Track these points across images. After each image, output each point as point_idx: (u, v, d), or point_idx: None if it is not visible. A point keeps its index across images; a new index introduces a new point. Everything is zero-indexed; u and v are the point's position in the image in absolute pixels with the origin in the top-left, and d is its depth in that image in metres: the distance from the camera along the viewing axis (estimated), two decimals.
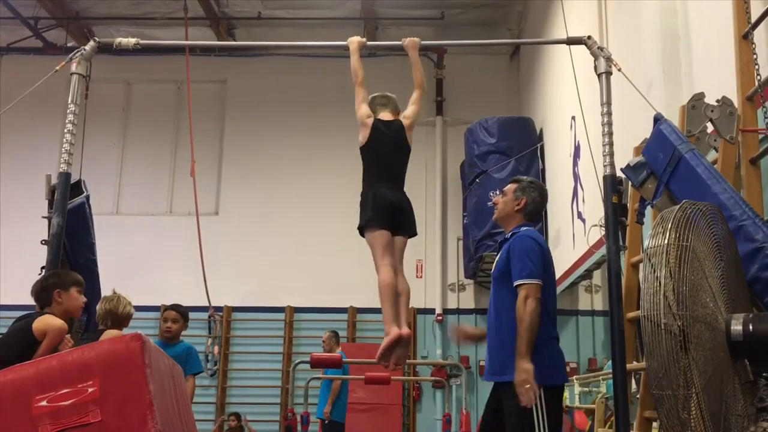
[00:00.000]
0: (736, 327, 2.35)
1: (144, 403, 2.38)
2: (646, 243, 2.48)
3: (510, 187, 3.56)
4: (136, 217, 10.72)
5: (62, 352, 2.53)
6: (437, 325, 10.17)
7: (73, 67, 3.38)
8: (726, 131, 3.13)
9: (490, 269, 10.43)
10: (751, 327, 2.33)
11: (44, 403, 2.37)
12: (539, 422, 3.05)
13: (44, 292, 3.32)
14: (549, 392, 3.11)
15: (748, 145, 3.14)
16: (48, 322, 3.15)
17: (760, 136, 3.17)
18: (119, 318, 3.92)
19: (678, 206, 2.42)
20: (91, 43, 3.47)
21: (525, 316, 3.11)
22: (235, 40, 10.76)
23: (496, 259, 3.46)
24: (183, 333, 5.22)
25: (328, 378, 7.46)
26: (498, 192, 8.14)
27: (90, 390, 2.37)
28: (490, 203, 3.68)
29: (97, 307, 3.89)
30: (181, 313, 5.07)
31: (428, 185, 10.61)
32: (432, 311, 10.23)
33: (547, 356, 3.18)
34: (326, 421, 7.30)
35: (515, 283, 3.21)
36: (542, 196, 3.53)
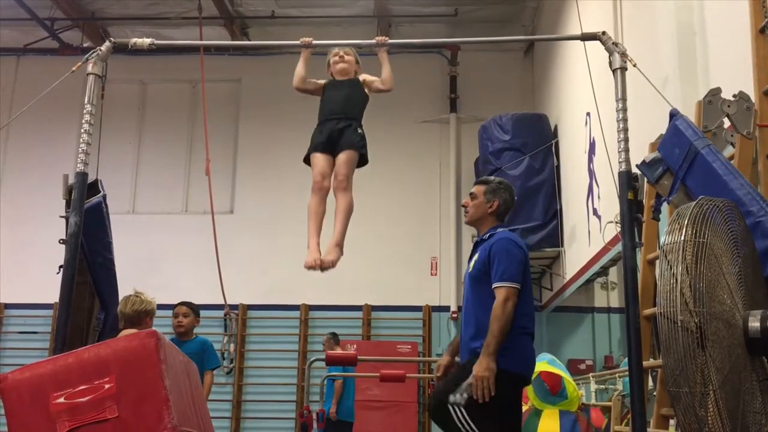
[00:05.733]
0: (754, 324, 2.32)
1: (160, 399, 2.40)
2: (662, 239, 2.46)
3: (479, 188, 3.64)
4: (152, 215, 10.78)
5: (79, 350, 2.56)
6: (452, 322, 10.16)
7: (89, 68, 3.39)
8: (743, 126, 3.10)
9: None
10: None
11: (62, 399, 2.40)
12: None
13: None
14: (504, 376, 3.20)
15: (765, 141, 3.10)
16: None
17: None
18: (129, 317, 3.96)
19: (694, 202, 2.40)
20: (107, 43, 3.48)
21: (501, 317, 3.24)
22: (249, 39, 10.79)
23: (474, 258, 3.53)
24: (199, 331, 5.26)
25: (331, 376, 7.56)
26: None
27: (107, 386, 2.39)
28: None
29: None
30: (192, 308, 5.10)
31: (442, 182, 10.60)
32: (447, 309, 10.22)
33: (517, 346, 3.31)
34: (333, 420, 7.38)
35: (494, 285, 3.33)
36: (512, 197, 3.65)
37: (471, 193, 3.67)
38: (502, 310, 3.25)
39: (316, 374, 8.54)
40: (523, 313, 3.37)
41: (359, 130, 3.74)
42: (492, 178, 3.74)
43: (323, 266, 3.57)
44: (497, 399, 3.20)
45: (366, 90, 3.83)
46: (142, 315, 4.01)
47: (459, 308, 10.18)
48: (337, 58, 3.87)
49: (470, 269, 3.53)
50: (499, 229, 3.54)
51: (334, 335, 8.41)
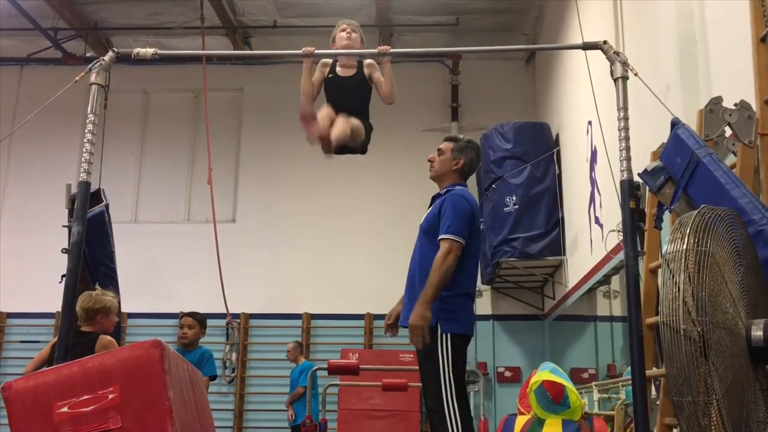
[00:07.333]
0: (757, 332, 2.32)
1: (163, 409, 2.40)
2: (664, 248, 2.46)
3: (447, 145, 3.67)
4: (155, 225, 10.80)
5: (83, 359, 2.56)
6: None
7: (92, 78, 3.40)
8: (744, 135, 3.10)
9: (508, 275, 10.27)
10: None
11: (65, 409, 2.40)
12: (443, 363, 3.30)
13: None
14: (456, 339, 3.36)
15: (766, 149, 3.11)
16: None
17: None
18: (99, 310, 3.90)
19: (696, 211, 2.40)
20: (110, 53, 3.49)
21: (442, 267, 3.33)
22: (251, 49, 10.83)
23: (427, 212, 3.62)
24: (202, 340, 5.25)
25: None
26: (513, 197, 8.05)
27: (110, 396, 2.39)
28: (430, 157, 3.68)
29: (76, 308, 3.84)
30: (198, 319, 5.08)
31: None
32: None
33: (462, 309, 3.42)
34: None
35: (440, 237, 3.41)
36: (478, 157, 3.72)
37: (438, 149, 3.70)
38: (443, 261, 3.34)
39: (318, 383, 8.52)
40: (468, 273, 3.46)
41: (368, 123, 3.77)
42: (461, 136, 3.77)
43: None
44: (458, 362, 3.34)
45: (369, 82, 3.80)
46: (114, 309, 4.01)
47: None
48: (344, 34, 3.80)
49: (422, 221, 3.63)
50: (458, 187, 3.60)
51: (299, 344, 8.89)
